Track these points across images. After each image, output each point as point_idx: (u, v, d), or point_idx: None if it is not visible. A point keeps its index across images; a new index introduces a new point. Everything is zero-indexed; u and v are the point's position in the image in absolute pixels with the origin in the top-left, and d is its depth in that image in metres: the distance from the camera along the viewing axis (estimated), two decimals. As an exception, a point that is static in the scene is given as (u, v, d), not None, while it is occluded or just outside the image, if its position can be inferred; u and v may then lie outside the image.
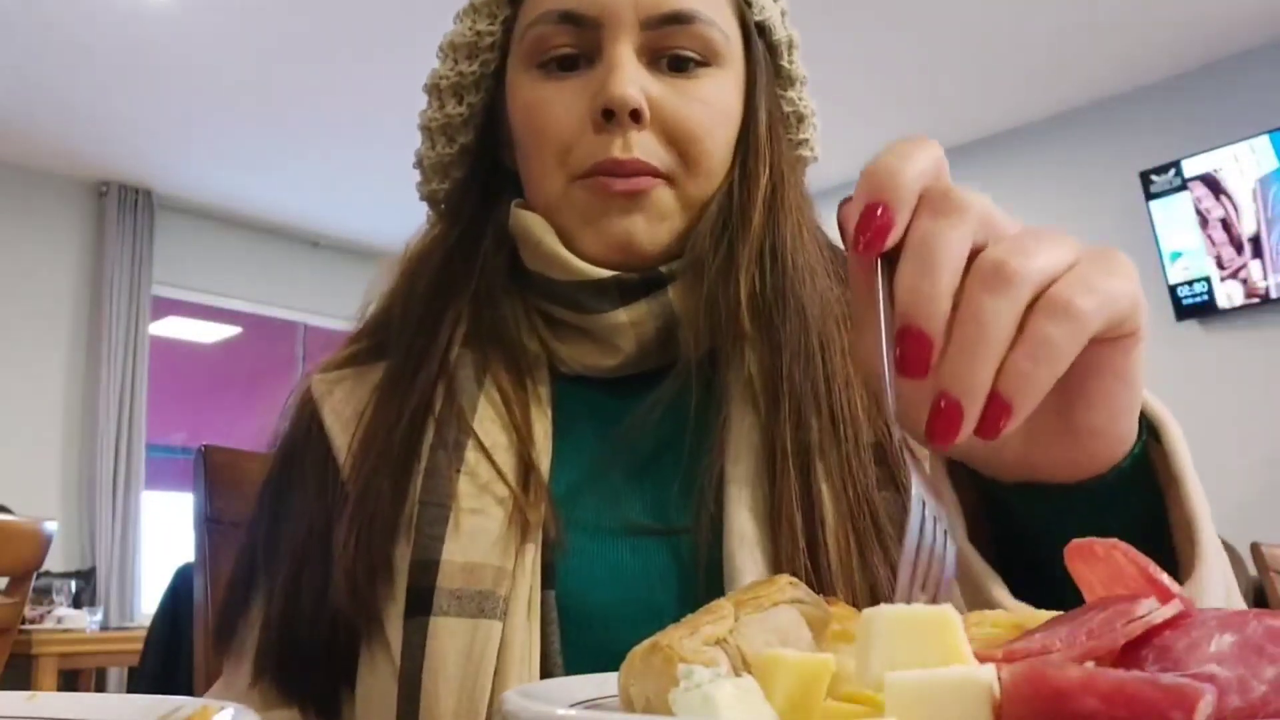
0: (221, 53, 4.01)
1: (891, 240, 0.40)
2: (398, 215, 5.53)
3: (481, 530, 0.60)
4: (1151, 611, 0.29)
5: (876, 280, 0.41)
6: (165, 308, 5.47)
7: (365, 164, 4.99)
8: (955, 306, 0.39)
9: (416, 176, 0.76)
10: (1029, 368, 0.38)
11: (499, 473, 0.62)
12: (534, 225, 0.67)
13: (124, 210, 5.13)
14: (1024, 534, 0.48)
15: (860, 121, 4.41)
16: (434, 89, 0.73)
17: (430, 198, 0.77)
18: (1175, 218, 4.20)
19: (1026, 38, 3.98)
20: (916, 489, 0.39)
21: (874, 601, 0.55)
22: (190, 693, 0.58)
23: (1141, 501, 0.47)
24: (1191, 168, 4.16)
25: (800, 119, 0.76)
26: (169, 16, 3.75)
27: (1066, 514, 0.46)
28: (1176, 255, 4.20)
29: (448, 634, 0.57)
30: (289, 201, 5.44)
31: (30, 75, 4.12)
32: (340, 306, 5.96)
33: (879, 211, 0.39)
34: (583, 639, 0.60)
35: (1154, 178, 4.25)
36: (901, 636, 0.28)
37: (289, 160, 4.97)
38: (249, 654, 0.67)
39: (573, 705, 0.36)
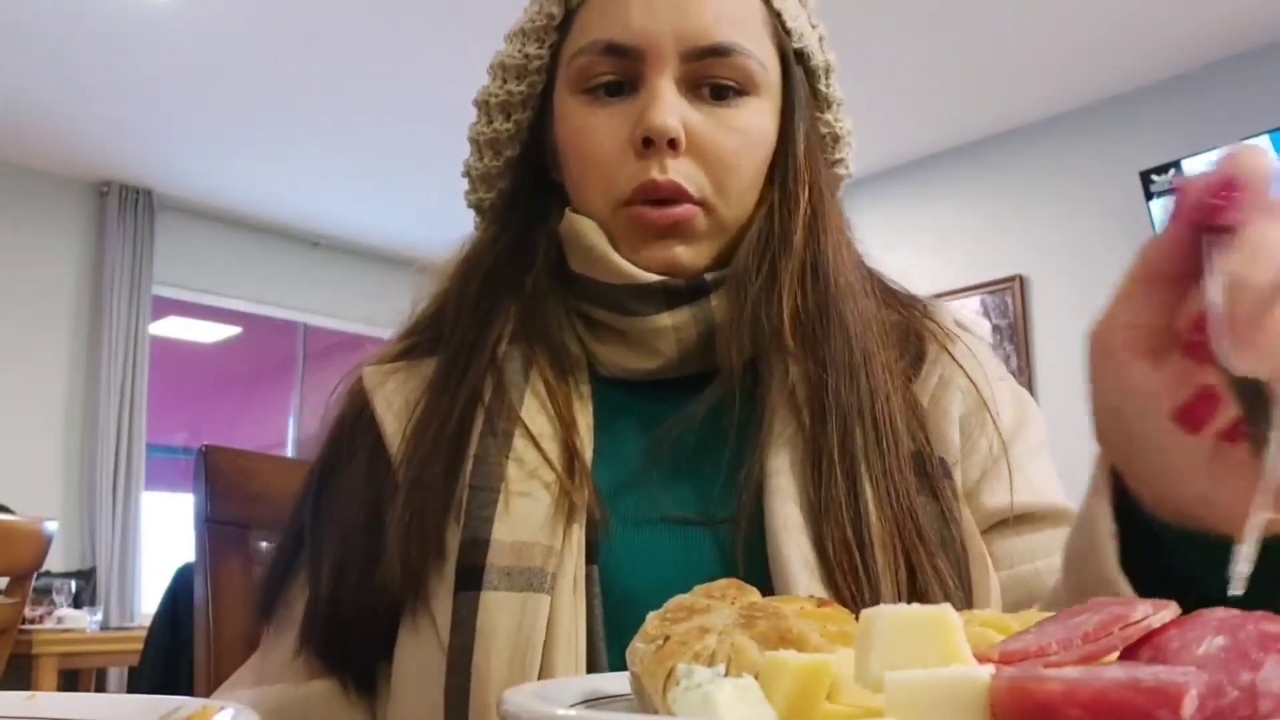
0: (222, 53, 4.01)
1: (1231, 219, 0.41)
2: (398, 215, 5.55)
3: (530, 512, 0.63)
4: (1148, 616, 0.29)
5: (1205, 252, 0.42)
6: (165, 308, 5.47)
7: (366, 164, 4.99)
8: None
9: (464, 185, 0.81)
10: None
11: (545, 459, 0.66)
12: (586, 229, 0.70)
13: (124, 210, 5.12)
14: (1164, 578, 0.47)
15: (860, 121, 4.40)
16: (483, 105, 0.77)
17: (477, 206, 0.81)
18: (1175, 218, 4.19)
19: (1026, 38, 3.98)
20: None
21: (916, 597, 0.58)
22: (190, 693, 0.58)
23: None
24: (1191, 168, 4.16)
25: (836, 139, 0.80)
26: (169, 17, 3.75)
27: (1218, 566, 0.45)
28: (1176, 255, 4.20)
29: (498, 608, 0.60)
30: (289, 201, 5.44)
31: (30, 75, 4.12)
32: (340, 306, 5.98)
33: (1232, 188, 0.41)
34: (623, 614, 0.61)
35: (1154, 178, 4.24)
36: (901, 636, 0.28)
37: (289, 160, 4.97)
38: (291, 627, 0.70)
39: (573, 705, 0.36)
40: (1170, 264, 0.43)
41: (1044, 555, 0.66)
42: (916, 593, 0.60)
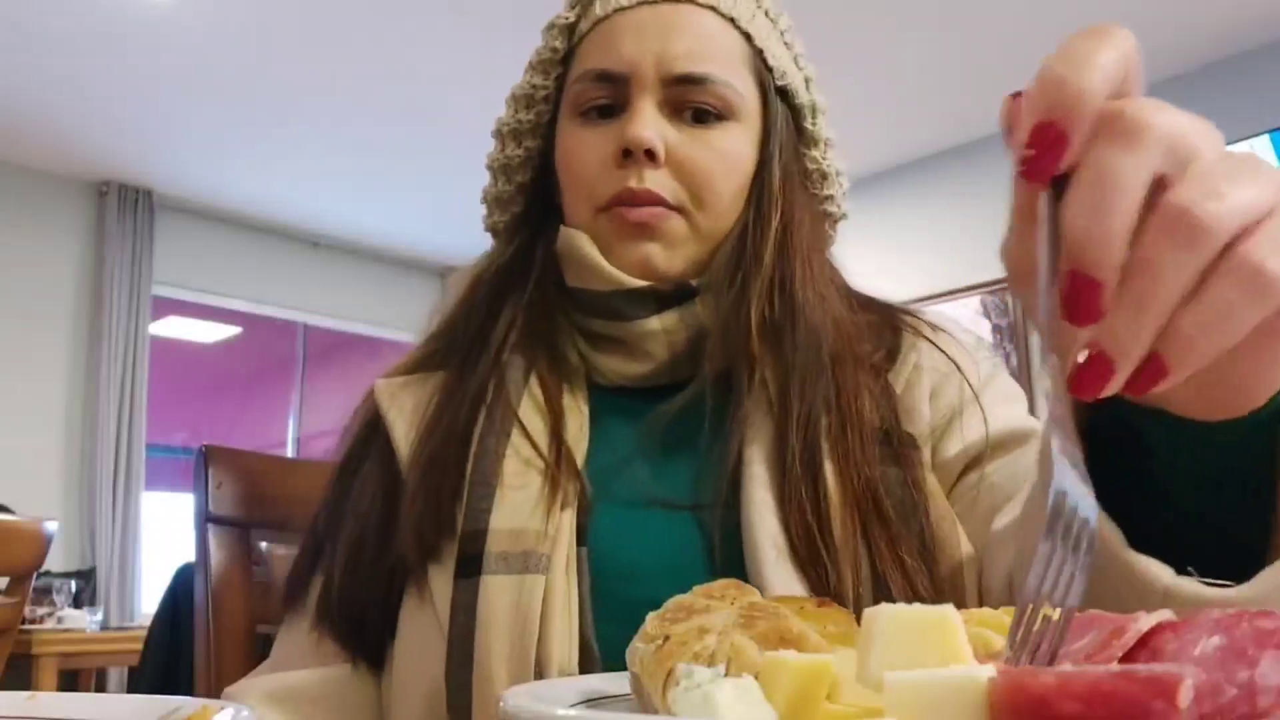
0: (221, 53, 4.01)
1: (1064, 165, 0.35)
2: (398, 215, 5.54)
3: (523, 500, 0.68)
4: (1139, 622, 0.29)
5: (1041, 211, 0.36)
6: (165, 308, 5.47)
7: (366, 164, 4.99)
8: (1132, 244, 0.34)
9: (483, 210, 0.85)
10: (1198, 334, 0.34)
11: (538, 451, 0.70)
12: (578, 239, 0.75)
13: (124, 210, 5.12)
14: (1139, 463, 0.47)
15: (860, 121, 4.41)
16: (499, 134, 0.83)
17: (493, 229, 0.86)
18: (1175, 218, 4.19)
19: (1027, 38, 3.98)
20: (1058, 479, 0.33)
21: (874, 574, 0.63)
22: (190, 693, 0.58)
23: (1263, 453, 0.44)
24: (1191, 168, 4.16)
25: (824, 176, 0.83)
26: (169, 16, 3.75)
27: (1201, 445, 0.44)
28: (1176, 255, 4.19)
29: (497, 590, 0.64)
30: (289, 201, 5.44)
31: (30, 75, 4.12)
32: (340, 306, 5.99)
33: (1049, 134, 0.35)
34: (611, 591, 0.66)
35: (1154, 178, 4.24)
36: (902, 636, 0.28)
37: (289, 160, 4.97)
38: (311, 610, 0.74)
39: (573, 705, 0.36)
40: (1028, 215, 0.38)
41: (1014, 465, 0.69)
42: (872, 567, 0.64)
